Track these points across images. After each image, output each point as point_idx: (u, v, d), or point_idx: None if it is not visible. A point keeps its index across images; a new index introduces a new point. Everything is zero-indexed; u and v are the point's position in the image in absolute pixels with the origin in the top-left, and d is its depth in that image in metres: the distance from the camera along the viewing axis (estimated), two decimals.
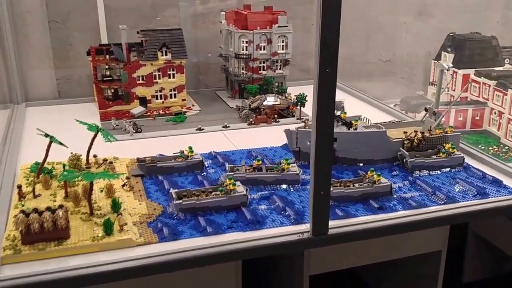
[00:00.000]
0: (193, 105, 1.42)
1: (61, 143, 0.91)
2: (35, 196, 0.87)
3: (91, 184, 0.81)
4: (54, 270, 0.71)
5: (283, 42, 1.43)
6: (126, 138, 1.18)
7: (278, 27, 1.41)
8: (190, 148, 1.04)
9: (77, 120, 0.96)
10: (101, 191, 0.89)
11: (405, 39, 1.75)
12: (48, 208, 0.75)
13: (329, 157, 0.76)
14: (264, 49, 1.42)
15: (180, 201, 0.86)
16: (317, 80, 0.72)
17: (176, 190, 0.89)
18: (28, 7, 1.39)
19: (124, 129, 1.21)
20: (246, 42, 1.41)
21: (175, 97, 1.38)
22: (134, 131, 1.21)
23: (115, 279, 0.74)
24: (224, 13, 1.47)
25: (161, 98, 1.37)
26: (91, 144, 0.97)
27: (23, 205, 0.83)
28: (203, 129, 1.25)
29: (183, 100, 1.39)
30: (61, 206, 0.76)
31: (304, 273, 0.97)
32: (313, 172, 0.77)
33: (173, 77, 1.36)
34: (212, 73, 1.62)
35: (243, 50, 1.41)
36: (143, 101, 1.35)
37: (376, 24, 1.74)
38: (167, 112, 1.35)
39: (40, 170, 0.92)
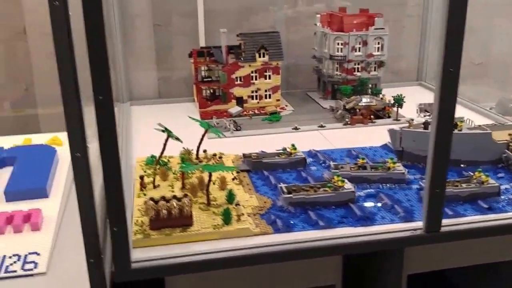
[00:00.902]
0: (286, 106, 1.46)
1: (177, 138, 0.96)
2: (154, 187, 0.93)
3: (210, 175, 0.86)
4: (182, 254, 0.75)
5: (378, 44, 1.44)
6: (227, 136, 1.23)
7: (375, 29, 1.42)
8: (293, 145, 1.07)
9: (190, 117, 1.02)
10: (213, 183, 0.93)
11: (500, 41, 1.71)
12: (174, 197, 0.80)
13: (446, 156, 0.77)
14: (359, 51, 1.43)
15: (290, 195, 0.89)
16: (440, 79, 0.73)
17: (286, 185, 0.93)
18: (138, 11, 1.46)
19: (224, 127, 1.26)
20: (341, 44, 1.43)
21: (270, 97, 1.42)
22: (235, 129, 1.25)
23: (235, 266, 0.78)
24: (319, 15, 1.50)
25: (256, 98, 1.41)
26: (202, 139, 1.02)
27: (145, 195, 0.89)
28: (299, 128, 1.28)
29: (277, 100, 1.42)
30: (185, 195, 0.81)
31: (404, 271, 0.98)
32: (429, 170, 0.78)
33: (269, 78, 1.40)
34: (302, 75, 1.65)
35: (338, 51, 1.43)
36: (240, 101, 1.40)
37: (467, 27, 1.72)
38: (262, 111, 1.39)
39: (157, 162, 0.97)
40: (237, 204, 0.85)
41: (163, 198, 0.80)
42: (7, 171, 1.10)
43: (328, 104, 1.44)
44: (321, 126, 1.29)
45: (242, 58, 1.38)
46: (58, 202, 0.99)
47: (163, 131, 0.96)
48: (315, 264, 0.90)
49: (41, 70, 1.39)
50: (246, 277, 0.90)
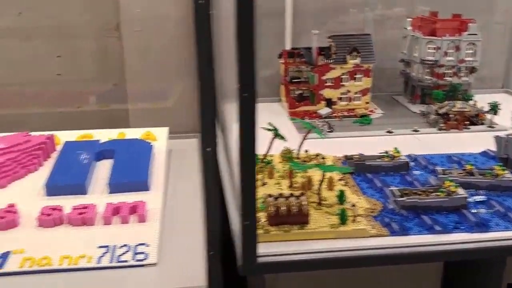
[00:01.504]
0: (375, 108, 1.44)
1: (282, 138, 0.96)
2: (263, 184, 0.93)
3: (323, 175, 0.85)
4: (304, 251, 0.75)
5: (471, 49, 1.41)
6: (320, 137, 1.22)
7: (468, 34, 1.39)
8: (396, 149, 1.05)
9: (290, 118, 1.01)
10: (321, 183, 0.93)
11: None
12: (291, 194, 0.80)
13: None
14: (451, 56, 1.40)
15: (403, 198, 0.88)
16: None
17: (397, 188, 0.91)
18: None
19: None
20: (433, 48, 1.40)
21: (359, 100, 1.40)
22: (328, 130, 1.24)
23: (352, 266, 0.77)
24: (410, 19, 1.47)
25: (346, 100, 1.39)
26: (304, 139, 1.01)
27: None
28: (392, 132, 1.26)
29: (367, 103, 1.41)
30: (302, 194, 0.80)
31: (503, 280, 0.95)
32: None
33: (360, 81, 1.39)
34: (386, 78, 1.62)
35: (429, 56, 1.41)
36: (329, 103, 1.39)
37: None
38: (351, 114, 1.38)
39: (262, 161, 0.97)
40: (353, 205, 0.84)
41: (281, 195, 0.80)
42: (105, 164, 1.13)
43: (417, 109, 1.42)
44: (415, 131, 1.27)
45: (332, 60, 1.37)
46: (159, 195, 1.01)
47: (269, 130, 0.96)
48: (417, 269, 0.88)
49: (133, 67, 1.42)
50: (344, 279, 0.89)
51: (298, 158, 1.02)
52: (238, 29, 0.59)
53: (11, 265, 0.83)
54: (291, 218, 0.78)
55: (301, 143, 1.01)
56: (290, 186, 0.92)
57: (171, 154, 1.23)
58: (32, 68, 1.43)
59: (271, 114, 1.29)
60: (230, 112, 0.96)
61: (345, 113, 1.38)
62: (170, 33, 1.41)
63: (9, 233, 0.92)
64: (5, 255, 0.86)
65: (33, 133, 1.22)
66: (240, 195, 0.66)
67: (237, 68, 0.61)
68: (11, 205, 0.97)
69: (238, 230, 0.76)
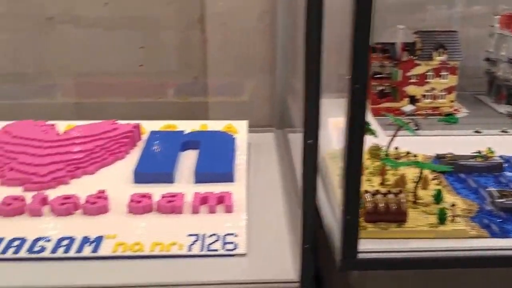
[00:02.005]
0: (460, 108, 1.39)
1: (373, 133, 0.94)
2: None
3: (421, 173, 0.83)
4: (404, 249, 0.73)
5: None
6: (411, 134, 1.19)
7: None
8: (490, 149, 1.01)
9: (385, 115, 0.99)
10: (418, 182, 0.90)
11: None
12: (389, 191, 0.78)
13: None
14: None
15: (502, 200, 0.84)
16: None
17: (495, 189, 0.88)
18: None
19: None
20: None
21: (444, 98, 1.36)
22: (415, 128, 1.21)
23: (451, 267, 0.75)
24: (497, 17, 1.42)
25: (430, 98, 1.36)
26: (394, 136, 0.99)
27: None
28: (481, 132, 1.22)
29: (452, 101, 1.37)
30: (400, 191, 0.78)
31: None
32: None
33: (445, 78, 1.35)
34: (468, 76, 1.57)
35: None
36: (412, 100, 1.36)
37: None
38: (435, 112, 1.34)
39: None
40: (453, 205, 0.81)
41: (378, 191, 0.78)
42: (190, 154, 1.13)
43: (504, 109, 1.37)
44: (504, 131, 1.22)
45: (417, 56, 1.33)
46: (243, 187, 1.01)
47: None
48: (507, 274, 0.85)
49: (214, 60, 1.43)
50: (430, 280, 0.86)
51: (387, 155, 0.99)
52: (356, 19, 0.58)
53: (104, 250, 0.85)
54: (389, 215, 0.77)
55: (391, 140, 0.98)
56: (382, 184, 0.90)
57: (249, 147, 1.22)
58: (116, 58, 1.45)
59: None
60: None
61: (429, 111, 1.34)
62: (252, 27, 1.41)
63: (100, 218, 0.94)
64: (99, 239, 0.87)
65: (120, 122, 1.24)
66: (344, 189, 0.64)
67: (350, 59, 0.60)
68: (102, 191, 1.00)
69: (335, 224, 0.75)
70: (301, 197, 0.72)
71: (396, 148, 1.01)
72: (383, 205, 0.76)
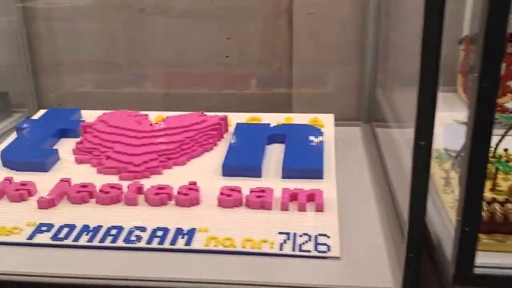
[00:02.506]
0: None
1: None
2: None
3: None
4: None
5: None
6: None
7: None
8: None
9: (500, 116, 0.94)
10: None
11: None
12: (507, 199, 0.75)
13: None
14: None
15: None
16: None
17: None
18: None
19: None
20: None
21: None
22: None
23: None
24: None
25: None
26: (504, 136, 0.94)
27: (452, 191, 0.85)
28: None
29: None
30: None
31: None
32: None
33: None
34: None
35: None
36: None
37: None
38: None
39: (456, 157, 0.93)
40: None
41: (494, 199, 0.75)
42: (277, 148, 1.13)
43: None
44: None
45: None
46: (333, 185, 1.00)
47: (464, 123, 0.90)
48: None
49: (300, 50, 1.42)
50: None
51: (493, 157, 0.95)
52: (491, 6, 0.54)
53: (197, 243, 0.87)
54: (508, 226, 0.73)
55: (500, 140, 0.93)
56: (492, 189, 0.86)
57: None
58: (202, 50, 1.47)
59: (446, 106, 1.23)
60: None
61: None
62: (341, 17, 1.38)
63: (192, 210, 0.96)
64: (191, 232, 0.90)
65: (207, 113, 1.25)
66: (464, 198, 0.62)
67: (480, 53, 0.56)
68: (193, 183, 1.02)
69: (445, 234, 0.72)
70: (408, 203, 0.70)
71: (506, 150, 0.97)
72: (501, 215, 0.73)
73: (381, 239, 0.89)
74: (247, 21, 1.45)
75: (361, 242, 0.87)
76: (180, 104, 1.53)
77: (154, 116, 1.29)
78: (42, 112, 1.35)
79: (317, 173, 1.04)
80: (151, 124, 1.22)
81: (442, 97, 1.33)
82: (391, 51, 1.32)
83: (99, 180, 1.04)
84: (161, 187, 0.99)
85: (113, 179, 1.05)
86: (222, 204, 0.96)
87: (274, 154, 1.14)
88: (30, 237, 0.89)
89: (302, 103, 1.48)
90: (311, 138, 1.15)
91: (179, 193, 0.98)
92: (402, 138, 1.00)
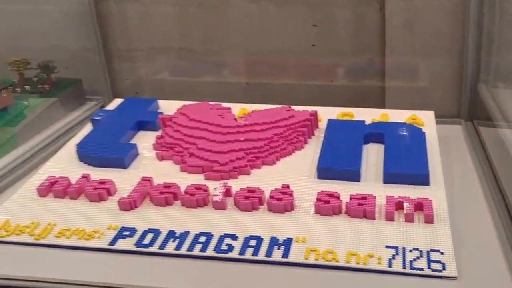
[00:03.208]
0: None
1: None
2: None
3: None
4: None
5: None
6: None
7: None
8: None
9: None
10: None
11: None
12: None
13: None
14: None
15: None
16: None
17: None
18: None
19: None
20: None
21: None
22: None
23: None
24: None
25: None
26: None
27: None
28: None
29: None
30: None
31: None
32: None
33: None
34: None
35: None
36: None
37: None
38: None
39: None
40: None
41: None
42: (374, 148, 1.03)
43: None
44: None
45: None
46: (442, 192, 0.89)
47: None
48: None
49: (393, 40, 1.30)
50: None
51: None
52: None
53: (296, 255, 0.79)
54: None
55: None
56: None
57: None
58: (286, 37, 1.38)
59: None
60: None
61: None
62: (439, 3, 1.26)
63: (286, 217, 0.88)
64: (288, 242, 0.81)
65: (295, 108, 1.16)
66: None
67: None
68: (286, 186, 0.93)
69: None
70: None
71: None
72: None
73: (501, 255, 0.78)
74: (334, 7, 1.35)
75: (479, 259, 0.77)
76: (261, 95, 1.44)
77: (236, 109, 1.20)
78: (117, 101, 1.29)
79: (423, 179, 0.93)
80: (235, 119, 1.13)
81: None
82: (498, 44, 1.18)
83: (183, 180, 0.97)
84: (251, 190, 0.91)
85: (198, 178, 0.98)
86: (319, 211, 0.87)
87: (372, 155, 1.04)
88: (112, 243, 0.82)
89: (395, 97, 1.37)
90: (413, 139, 1.04)
91: (271, 197, 0.90)
92: None
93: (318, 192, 0.90)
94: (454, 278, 0.73)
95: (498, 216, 0.87)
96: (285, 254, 0.79)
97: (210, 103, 1.20)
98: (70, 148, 1.10)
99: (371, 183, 0.96)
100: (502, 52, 1.17)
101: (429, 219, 0.84)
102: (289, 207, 0.89)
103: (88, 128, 1.18)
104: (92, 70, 1.45)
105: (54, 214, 0.89)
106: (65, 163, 1.05)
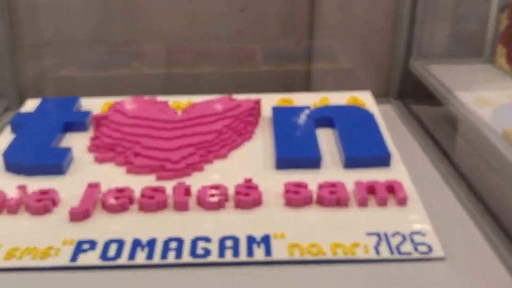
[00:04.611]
0: None
1: None
2: None
3: None
4: None
5: None
6: None
7: None
8: None
9: None
10: None
11: None
12: None
13: None
14: None
15: None
16: None
17: None
18: None
19: None
20: None
21: None
22: None
23: None
24: None
25: None
26: None
27: None
28: None
29: None
30: None
31: None
32: None
33: None
34: None
35: None
36: None
37: None
38: None
39: None
40: None
41: None
42: (325, 133, 1.01)
43: None
44: None
45: None
46: (404, 173, 0.89)
47: None
48: None
49: (324, 22, 1.29)
50: None
51: None
52: None
53: (279, 252, 0.74)
54: None
55: None
56: None
57: None
58: (210, 23, 1.31)
59: (486, 79, 1.14)
60: None
61: None
62: None
63: (256, 213, 0.83)
64: (266, 239, 0.77)
65: (237, 96, 1.11)
66: None
67: None
68: (249, 180, 0.88)
69: None
70: None
71: None
72: None
73: (477, 232, 0.79)
74: None
75: (459, 238, 0.78)
76: (182, 86, 1.37)
77: (172, 102, 1.12)
78: (32, 103, 1.16)
79: (385, 161, 0.92)
80: (175, 112, 1.06)
81: (473, 69, 1.24)
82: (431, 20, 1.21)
83: (132, 182, 0.88)
84: (214, 187, 0.85)
85: (148, 179, 0.90)
86: (290, 203, 0.83)
87: (323, 140, 1.01)
88: (73, 259, 0.73)
89: (321, 80, 1.36)
90: (363, 120, 1.03)
91: (237, 193, 0.84)
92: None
93: (284, 184, 0.86)
94: (441, 258, 0.73)
95: (459, 191, 0.89)
96: (267, 252, 0.74)
97: (145, 97, 1.11)
98: None
99: (331, 169, 0.93)
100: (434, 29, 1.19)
101: (402, 202, 0.83)
102: (257, 202, 0.84)
103: (7, 134, 1.05)
104: None
105: None
106: None
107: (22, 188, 0.86)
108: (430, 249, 0.74)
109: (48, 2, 1.27)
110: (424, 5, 1.23)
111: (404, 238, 0.76)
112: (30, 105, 1.16)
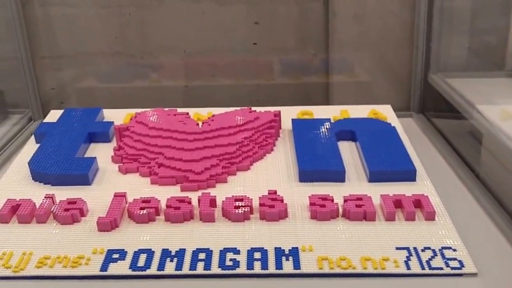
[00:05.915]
0: None
1: None
2: None
3: None
4: None
5: None
6: None
7: None
8: None
9: None
10: None
11: None
12: None
13: None
14: None
15: None
16: None
17: None
18: None
19: None
20: None
21: None
22: None
23: None
24: None
25: None
26: None
27: None
28: None
29: None
30: None
31: None
32: None
33: None
34: None
35: None
36: None
37: None
38: None
39: None
40: None
41: None
42: (346, 146, 1.01)
43: None
44: None
45: None
46: (431, 187, 0.88)
47: None
48: None
49: (339, 34, 1.29)
50: None
51: None
52: None
53: (308, 266, 0.74)
54: None
55: None
56: None
57: None
58: (226, 36, 1.32)
59: (508, 93, 1.13)
60: None
61: None
62: None
63: (282, 225, 0.83)
64: (294, 252, 0.76)
65: (256, 109, 1.11)
66: None
67: None
68: (273, 192, 0.88)
69: None
70: None
71: None
72: None
73: (506, 245, 0.78)
74: (277, 3, 1.31)
75: (491, 252, 0.77)
76: (200, 98, 1.37)
77: (191, 114, 1.12)
78: (55, 113, 1.16)
79: (410, 175, 0.92)
80: (196, 124, 1.06)
81: (499, 83, 1.23)
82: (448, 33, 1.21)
83: (156, 193, 0.88)
84: (238, 199, 0.85)
85: (172, 190, 0.90)
86: (316, 216, 0.82)
87: (346, 153, 1.01)
88: (103, 268, 0.73)
89: (341, 93, 1.35)
90: (386, 134, 1.03)
91: (262, 205, 0.84)
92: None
93: (309, 196, 0.86)
94: (474, 274, 0.72)
95: (487, 205, 0.88)
96: (296, 264, 0.74)
97: (165, 109, 1.12)
98: (17, 166, 0.97)
99: (356, 182, 0.93)
100: (451, 41, 1.19)
101: (430, 216, 0.83)
102: (283, 214, 0.83)
103: (31, 143, 1.05)
104: (16, 80, 1.29)
105: (26, 242, 0.77)
106: (17, 184, 0.92)
107: (50, 197, 0.85)
108: (461, 264, 0.73)
109: (64, 14, 1.27)
110: (440, 17, 1.23)
111: (434, 253, 0.76)
112: (54, 115, 1.17)
